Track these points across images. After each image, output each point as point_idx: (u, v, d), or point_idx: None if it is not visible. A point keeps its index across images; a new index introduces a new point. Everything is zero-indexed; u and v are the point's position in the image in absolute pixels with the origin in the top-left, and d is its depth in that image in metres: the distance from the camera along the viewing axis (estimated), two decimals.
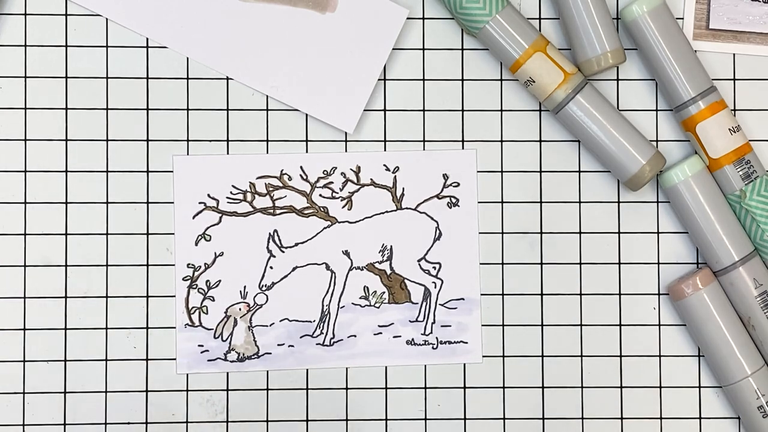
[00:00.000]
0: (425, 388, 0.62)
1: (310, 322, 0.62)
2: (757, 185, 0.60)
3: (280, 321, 0.62)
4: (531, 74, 0.60)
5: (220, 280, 0.62)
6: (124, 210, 0.62)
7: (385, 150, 0.62)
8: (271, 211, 0.62)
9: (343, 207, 0.62)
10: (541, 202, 0.63)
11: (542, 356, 0.62)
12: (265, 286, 0.62)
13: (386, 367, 0.62)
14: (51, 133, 0.62)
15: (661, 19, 0.60)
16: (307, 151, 0.62)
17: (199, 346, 0.61)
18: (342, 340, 0.62)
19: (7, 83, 0.62)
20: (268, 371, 0.62)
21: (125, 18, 0.61)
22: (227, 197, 0.62)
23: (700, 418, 0.62)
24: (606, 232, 0.63)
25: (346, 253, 0.62)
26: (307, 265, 0.62)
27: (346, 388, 0.62)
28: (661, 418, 0.62)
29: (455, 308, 0.62)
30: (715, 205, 0.60)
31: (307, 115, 0.62)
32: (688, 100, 0.60)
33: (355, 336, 0.62)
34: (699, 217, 0.60)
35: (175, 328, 0.62)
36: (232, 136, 0.62)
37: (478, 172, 0.62)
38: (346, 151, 0.62)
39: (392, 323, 0.62)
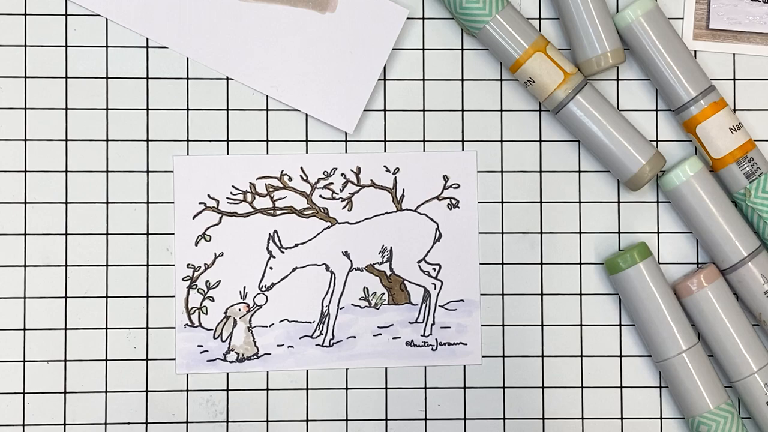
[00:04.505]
0: (425, 388, 0.62)
1: (310, 322, 0.62)
2: (761, 182, 0.60)
3: (280, 322, 0.62)
4: (531, 74, 0.60)
5: (219, 281, 0.62)
6: (124, 210, 0.62)
7: (385, 151, 0.62)
8: (271, 211, 0.62)
9: (344, 208, 0.62)
10: (541, 202, 0.62)
11: (542, 356, 0.62)
12: (265, 286, 0.62)
13: (386, 368, 0.62)
14: (51, 133, 0.62)
15: (655, 22, 0.60)
16: (307, 152, 0.62)
17: (198, 346, 0.61)
18: (341, 341, 0.62)
19: (7, 83, 0.62)
20: (267, 372, 0.62)
21: (125, 18, 0.61)
22: (227, 197, 0.62)
23: None
24: (606, 232, 0.63)
25: (346, 254, 0.62)
26: (307, 265, 0.62)
27: (346, 389, 0.62)
28: (661, 418, 0.62)
29: (455, 310, 0.62)
30: (718, 203, 0.60)
31: (307, 115, 0.62)
32: (689, 100, 0.60)
33: (354, 337, 0.62)
34: (704, 216, 0.60)
35: (174, 328, 0.62)
36: (232, 136, 0.62)
37: (478, 172, 0.62)
38: (346, 151, 0.62)
39: (392, 324, 0.62)
